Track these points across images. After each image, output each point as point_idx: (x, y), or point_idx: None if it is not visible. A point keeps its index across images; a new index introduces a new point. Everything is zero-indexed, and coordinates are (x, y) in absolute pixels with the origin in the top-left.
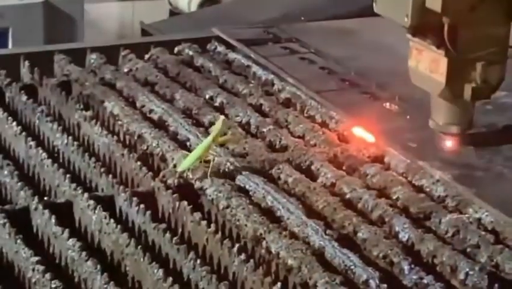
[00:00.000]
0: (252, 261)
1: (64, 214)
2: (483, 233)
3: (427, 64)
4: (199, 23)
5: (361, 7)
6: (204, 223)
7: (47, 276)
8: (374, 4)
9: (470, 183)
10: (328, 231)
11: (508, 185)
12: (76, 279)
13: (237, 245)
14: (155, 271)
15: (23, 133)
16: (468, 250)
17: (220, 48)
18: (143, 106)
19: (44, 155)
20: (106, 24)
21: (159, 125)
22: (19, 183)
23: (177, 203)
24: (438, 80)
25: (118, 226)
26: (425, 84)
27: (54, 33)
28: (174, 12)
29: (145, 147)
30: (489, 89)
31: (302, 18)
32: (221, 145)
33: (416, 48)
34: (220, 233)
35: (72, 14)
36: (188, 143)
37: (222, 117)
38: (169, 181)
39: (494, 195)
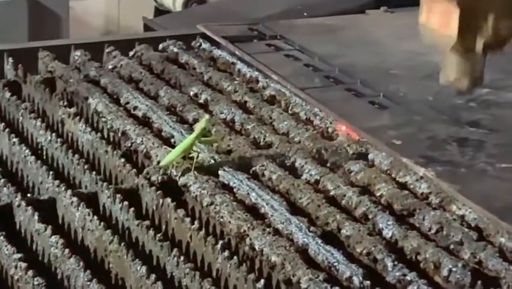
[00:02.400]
0: (235, 257)
1: (47, 210)
2: (466, 230)
3: (439, 18)
4: (201, 19)
5: (361, 4)
6: (188, 219)
7: (30, 273)
8: None
9: (453, 180)
10: (312, 228)
11: (491, 181)
12: (59, 276)
13: (220, 242)
14: (138, 268)
15: (7, 130)
16: (452, 246)
17: (205, 45)
18: (127, 103)
19: (28, 151)
20: (92, 20)
21: (144, 122)
22: (2, 180)
23: (161, 200)
24: (449, 34)
25: (102, 223)
26: (436, 40)
27: (39, 29)
28: (159, 9)
29: (129, 144)
30: (501, 41)
31: (305, 14)
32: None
33: (427, 4)
34: (203, 230)
35: (57, 10)
36: (172, 140)
37: (206, 116)
38: (153, 178)
39: (478, 192)
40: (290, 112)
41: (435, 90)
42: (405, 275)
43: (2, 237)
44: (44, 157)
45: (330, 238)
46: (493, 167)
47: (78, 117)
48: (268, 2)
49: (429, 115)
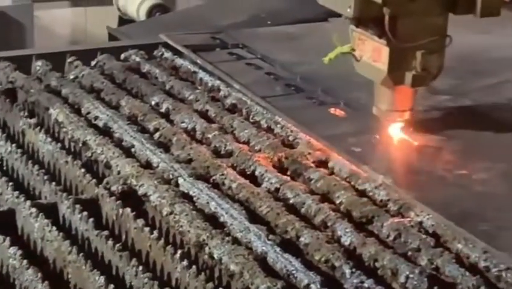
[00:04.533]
0: (194, 266)
1: (6, 221)
2: (424, 236)
3: (370, 53)
4: (165, 28)
5: (324, 11)
6: (147, 229)
7: None
8: None
9: (411, 187)
10: (271, 236)
11: (448, 188)
12: (18, 287)
13: (179, 251)
14: (97, 278)
15: None
16: (409, 253)
17: (167, 54)
18: (88, 113)
19: None
20: (58, 30)
21: (104, 132)
22: None
23: (120, 210)
24: (380, 68)
25: (61, 234)
26: (368, 73)
27: (3, 39)
28: (123, 19)
29: (89, 154)
30: (429, 76)
31: (269, 22)
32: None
33: (359, 38)
34: (163, 239)
35: (21, 20)
36: (133, 149)
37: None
38: (113, 188)
39: (435, 198)
40: (251, 120)
41: None
42: (362, 282)
43: None
44: (4, 168)
45: (289, 246)
46: (450, 173)
47: (39, 128)
48: (231, 10)
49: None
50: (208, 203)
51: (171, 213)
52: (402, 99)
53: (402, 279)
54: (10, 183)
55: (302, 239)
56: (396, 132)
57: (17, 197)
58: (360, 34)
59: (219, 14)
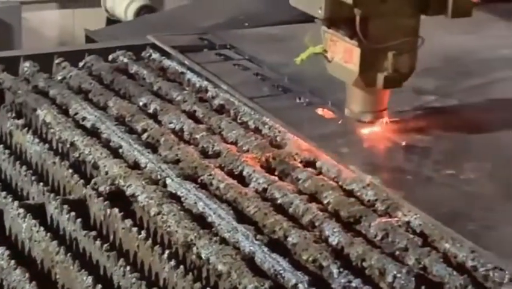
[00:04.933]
0: (182, 266)
1: None
2: (411, 236)
3: (342, 54)
4: (145, 30)
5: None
6: (135, 229)
7: None
8: None
9: (399, 187)
10: (258, 236)
11: (436, 188)
12: (6, 288)
13: (167, 251)
14: (85, 278)
15: None
16: (397, 253)
17: (155, 55)
18: (76, 113)
19: None
20: (46, 31)
21: (92, 133)
22: None
23: (108, 210)
24: (351, 69)
25: (48, 234)
26: (340, 74)
27: None
28: (111, 20)
29: (77, 155)
30: (400, 77)
31: (246, 24)
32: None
33: (331, 39)
34: (150, 239)
35: (9, 21)
36: (120, 150)
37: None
38: (101, 188)
39: (423, 198)
40: (238, 121)
41: None
42: (350, 282)
43: None
44: None
45: (277, 245)
46: (438, 173)
47: (27, 129)
48: (209, 12)
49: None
50: (195, 203)
51: (159, 213)
52: (374, 100)
53: (389, 279)
54: None
55: (289, 239)
56: (383, 132)
57: (5, 198)
58: (332, 34)
59: (198, 15)
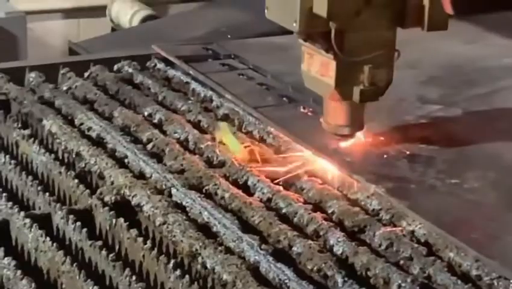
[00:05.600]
0: (187, 276)
1: (0, 232)
2: (416, 245)
3: (318, 67)
4: (127, 43)
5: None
6: (140, 239)
7: None
8: (266, 10)
9: (403, 196)
10: (263, 246)
11: (440, 197)
12: None
13: (172, 261)
14: (90, 288)
15: None
16: (402, 262)
17: (160, 65)
18: (82, 124)
19: None
20: (52, 41)
21: (98, 143)
22: None
23: (114, 220)
24: (328, 83)
25: (54, 244)
26: (317, 87)
27: None
28: (116, 30)
29: (83, 165)
30: (377, 91)
31: (229, 36)
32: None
33: (307, 52)
34: (156, 249)
35: (14, 31)
36: (126, 160)
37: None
38: (106, 198)
39: (427, 207)
40: (243, 131)
41: (386, 106)
42: None
43: None
44: None
45: (282, 255)
46: (442, 182)
47: (32, 139)
48: (192, 24)
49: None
50: (200, 213)
51: (164, 223)
52: (351, 113)
53: (394, 288)
54: (4, 194)
55: (294, 248)
56: (387, 142)
57: (11, 208)
58: (308, 48)
59: (180, 28)
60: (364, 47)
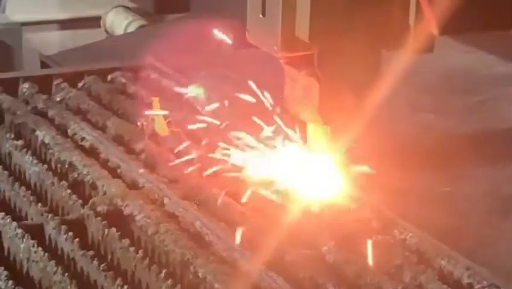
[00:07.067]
0: (179, 285)
1: None
2: (407, 253)
3: (302, 91)
4: (96, 56)
5: None
6: (132, 249)
7: None
8: (247, 33)
9: (395, 205)
10: (255, 255)
11: (431, 205)
12: None
13: (164, 270)
14: None
15: None
16: (393, 270)
17: (154, 75)
18: (75, 134)
19: None
20: (48, 52)
21: (91, 153)
22: None
23: (106, 230)
24: (311, 107)
25: (46, 254)
26: (300, 111)
27: None
28: None
29: (76, 175)
30: (362, 114)
31: None
32: None
33: (290, 76)
34: (148, 259)
35: (10, 42)
36: (119, 170)
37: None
38: (99, 208)
39: (418, 216)
40: None
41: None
42: None
43: None
44: None
45: (274, 264)
46: (433, 190)
47: (25, 149)
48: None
49: None
50: (192, 223)
51: (156, 233)
52: (335, 135)
53: None
54: None
55: (286, 257)
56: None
57: (3, 218)
58: (291, 71)
59: (147, 42)
60: (347, 70)
